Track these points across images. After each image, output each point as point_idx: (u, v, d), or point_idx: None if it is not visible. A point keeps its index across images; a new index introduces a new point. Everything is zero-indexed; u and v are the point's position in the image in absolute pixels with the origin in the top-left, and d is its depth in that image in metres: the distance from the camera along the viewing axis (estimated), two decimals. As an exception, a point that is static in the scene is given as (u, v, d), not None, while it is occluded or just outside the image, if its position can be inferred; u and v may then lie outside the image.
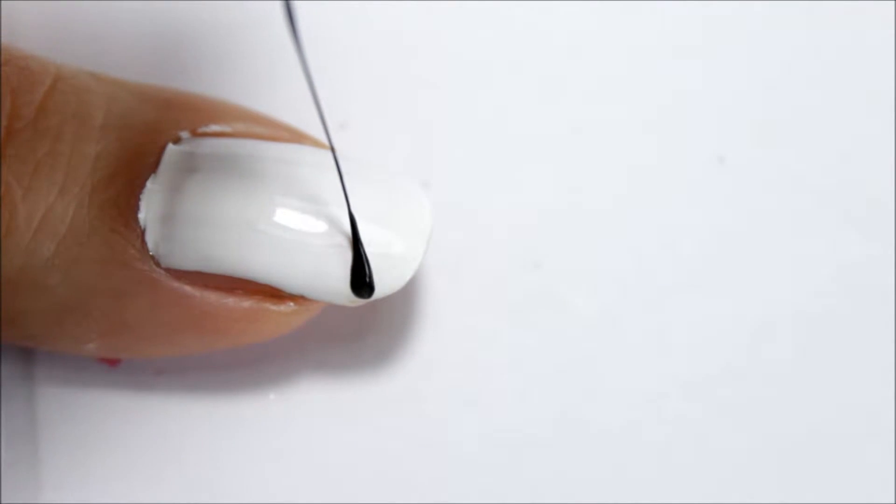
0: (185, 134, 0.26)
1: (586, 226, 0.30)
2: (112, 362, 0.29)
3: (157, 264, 0.25)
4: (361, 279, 0.25)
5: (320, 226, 0.25)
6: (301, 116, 0.26)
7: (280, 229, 0.25)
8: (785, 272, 0.29)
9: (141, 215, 0.25)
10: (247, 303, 0.26)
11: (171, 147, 0.26)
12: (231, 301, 0.26)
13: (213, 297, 0.26)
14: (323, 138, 0.28)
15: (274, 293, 0.26)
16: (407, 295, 0.29)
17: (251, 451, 0.28)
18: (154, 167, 0.25)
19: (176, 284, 0.26)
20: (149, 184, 0.25)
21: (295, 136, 0.27)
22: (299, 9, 0.30)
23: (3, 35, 0.29)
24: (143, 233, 0.25)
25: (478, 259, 0.29)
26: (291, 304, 0.26)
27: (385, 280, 0.26)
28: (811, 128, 0.30)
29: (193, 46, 0.30)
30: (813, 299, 0.29)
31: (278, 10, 0.30)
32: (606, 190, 0.30)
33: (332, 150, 0.25)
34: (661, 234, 0.30)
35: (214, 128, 0.26)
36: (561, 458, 0.28)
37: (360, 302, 0.26)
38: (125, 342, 0.27)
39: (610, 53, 0.30)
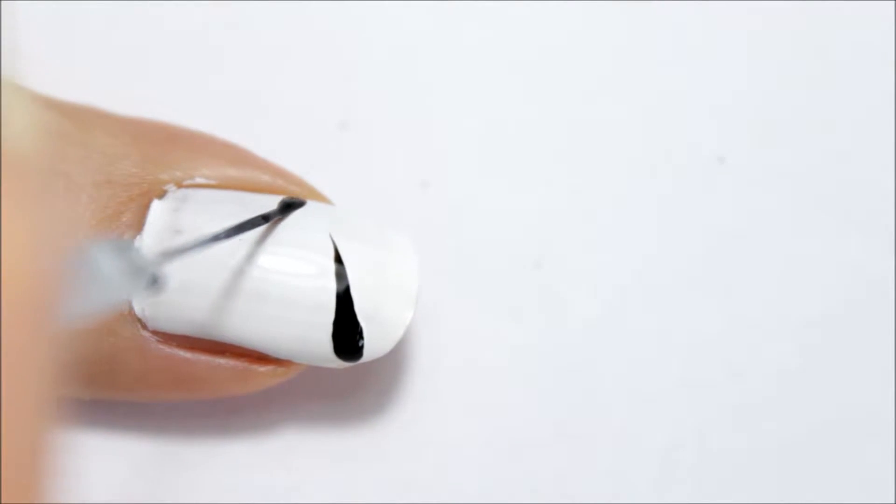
0: (170, 187, 0.26)
1: (586, 226, 0.30)
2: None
3: (145, 327, 0.25)
4: (348, 347, 0.25)
5: (308, 297, 0.25)
6: (300, 118, 0.26)
7: (265, 299, 0.25)
8: (785, 272, 0.29)
9: None
10: (235, 363, 0.26)
11: (155, 204, 0.25)
12: (222, 362, 0.26)
13: (202, 359, 0.25)
14: (321, 139, 0.28)
15: (261, 357, 0.26)
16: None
17: (250, 450, 0.28)
18: (139, 227, 0.25)
19: (165, 348, 0.25)
20: (135, 244, 0.25)
21: (278, 177, 0.26)
22: (298, 8, 0.30)
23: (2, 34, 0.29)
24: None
25: (478, 259, 0.29)
26: (280, 368, 0.26)
27: (371, 346, 0.25)
28: (811, 128, 0.30)
29: (192, 46, 0.30)
30: (813, 299, 0.29)
31: (274, 10, 0.30)
32: (606, 190, 0.30)
33: (316, 191, 0.24)
34: (661, 234, 0.30)
35: (200, 180, 0.26)
36: (561, 458, 0.28)
37: (348, 365, 0.26)
38: (116, 399, 0.27)
39: (610, 53, 0.30)
